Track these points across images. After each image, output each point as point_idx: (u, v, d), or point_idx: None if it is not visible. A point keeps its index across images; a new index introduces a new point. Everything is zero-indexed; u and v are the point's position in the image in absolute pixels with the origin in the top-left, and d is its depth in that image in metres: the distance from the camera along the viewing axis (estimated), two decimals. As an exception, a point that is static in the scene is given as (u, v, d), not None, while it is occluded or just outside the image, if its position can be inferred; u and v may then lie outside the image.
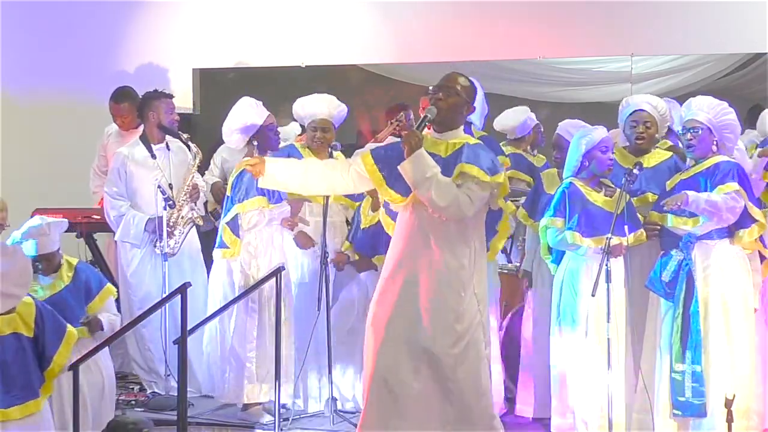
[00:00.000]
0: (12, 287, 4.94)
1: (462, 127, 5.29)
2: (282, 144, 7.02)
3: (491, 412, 5.22)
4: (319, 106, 6.83)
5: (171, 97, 7.32)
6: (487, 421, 5.16)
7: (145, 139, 7.24)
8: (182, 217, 7.05)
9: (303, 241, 6.79)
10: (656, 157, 6.26)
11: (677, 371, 5.78)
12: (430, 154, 5.10)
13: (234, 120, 6.73)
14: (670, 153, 6.29)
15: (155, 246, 7.05)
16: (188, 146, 7.21)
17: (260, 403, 6.65)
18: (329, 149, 6.77)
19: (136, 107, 7.61)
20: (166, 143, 7.22)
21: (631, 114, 6.26)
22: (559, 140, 6.60)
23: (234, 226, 6.61)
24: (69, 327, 5.28)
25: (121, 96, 8.01)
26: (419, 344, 5.11)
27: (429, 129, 5.25)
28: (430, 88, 5.19)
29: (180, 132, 7.22)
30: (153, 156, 7.16)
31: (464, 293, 5.12)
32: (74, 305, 5.99)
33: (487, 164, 5.11)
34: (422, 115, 5.12)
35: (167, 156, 7.18)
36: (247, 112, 6.72)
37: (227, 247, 6.63)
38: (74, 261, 6.17)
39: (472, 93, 5.23)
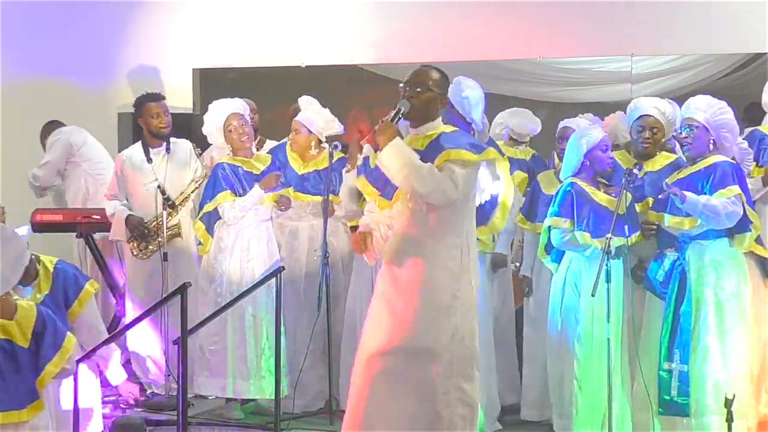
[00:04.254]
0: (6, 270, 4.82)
1: (439, 119, 5.17)
2: None
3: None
4: None
5: (157, 99, 7.27)
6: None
7: (144, 142, 7.26)
8: (168, 226, 7.05)
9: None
10: (661, 160, 6.22)
11: (665, 370, 5.79)
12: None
13: (211, 120, 6.88)
14: (676, 156, 6.24)
15: (128, 242, 7.14)
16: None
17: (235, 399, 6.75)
18: (329, 149, 6.80)
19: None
20: (167, 146, 7.22)
21: (638, 119, 6.22)
22: (567, 132, 6.61)
23: (208, 224, 6.76)
24: (69, 335, 5.10)
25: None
26: (413, 342, 4.91)
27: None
28: (401, 85, 5.11)
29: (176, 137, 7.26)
30: (149, 160, 7.17)
31: (459, 285, 4.97)
32: (56, 313, 5.76)
33: (470, 144, 5.03)
34: (395, 108, 5.01)
35: (165, 159, 7.19)
36: (220, 110, 6.86)
37: (200, 244, 6.82)
38: (52, 264, 5.85)
39: (445, 86, 5.18)
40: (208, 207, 6.73)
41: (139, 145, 7.31)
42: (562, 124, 6.86)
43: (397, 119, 4.98)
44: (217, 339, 6.69)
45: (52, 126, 8.53)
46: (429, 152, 5.01)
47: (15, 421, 4.79)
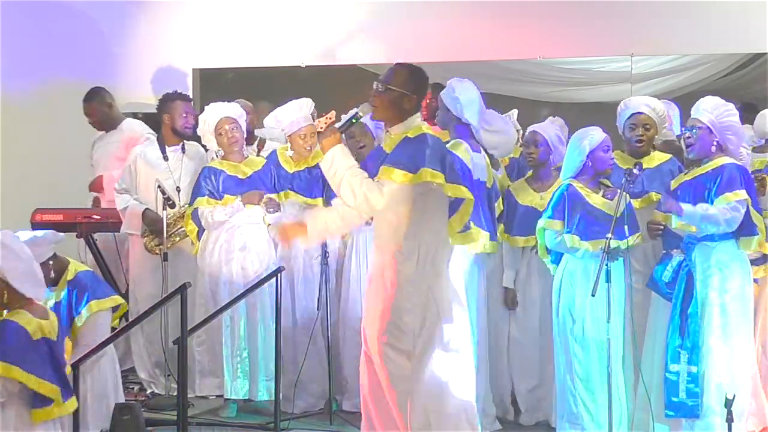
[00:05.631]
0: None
1: (413, 119, 5.06)
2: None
3: (462, 409, 4.99)
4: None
5: (187, 99, 7.35)
6: (462, 418, 4.98)
7: (161, 140, 7.25)
8: (181, 229, 7.04)
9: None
10: (657, 158, 6.27)
11: (672, 371, 5.78)
12: (382, 151, 5.07)
13: (204, 122, 6.90)
14: (669, 155, 6.29)
15: (142, 236, 7.13)
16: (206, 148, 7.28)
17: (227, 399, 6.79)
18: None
19: (105, 107, 7.96)
20: (182, 146, 7.24)
21: (629, 117, 6.26)
22: (537, 138, 6.56)
23: (200, 226, 6.82)
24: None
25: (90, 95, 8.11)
26: (389, 347, 4.96)
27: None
28: (374, 83, 5.08)
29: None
30: (165, 158, 7.18)
31: (412, 288, 4.93)
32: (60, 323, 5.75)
33: (412, 161, 4.91)
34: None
35: (180, 159, 7.20)
36: (213, 114, 6.88)
37: (192, 244, 6.90)
38: (74, 273, 5.84)
39: (415, 85, 5.05)
40: (189, 209, 6.84)
41: (153, 141, 7.31)
42: (530, 129, 6.76)
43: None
44: (202, 339, 6.80)
45: (101, 96, 8.17)
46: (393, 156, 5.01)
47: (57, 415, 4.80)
